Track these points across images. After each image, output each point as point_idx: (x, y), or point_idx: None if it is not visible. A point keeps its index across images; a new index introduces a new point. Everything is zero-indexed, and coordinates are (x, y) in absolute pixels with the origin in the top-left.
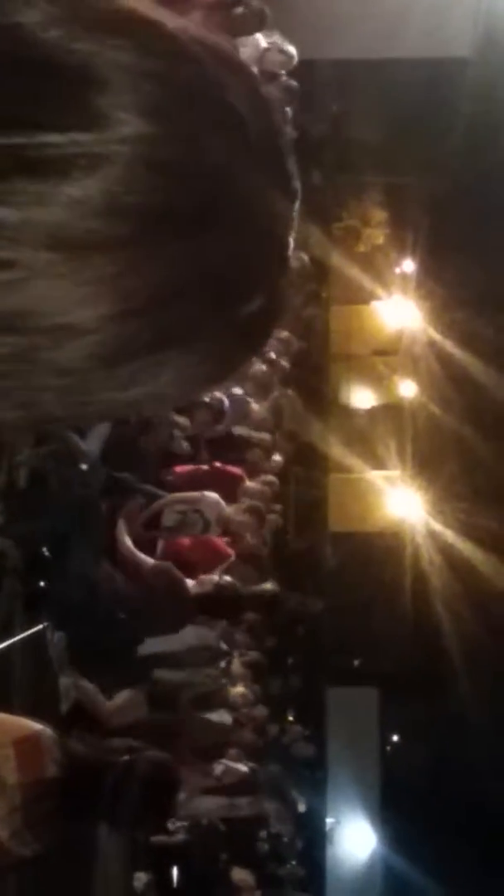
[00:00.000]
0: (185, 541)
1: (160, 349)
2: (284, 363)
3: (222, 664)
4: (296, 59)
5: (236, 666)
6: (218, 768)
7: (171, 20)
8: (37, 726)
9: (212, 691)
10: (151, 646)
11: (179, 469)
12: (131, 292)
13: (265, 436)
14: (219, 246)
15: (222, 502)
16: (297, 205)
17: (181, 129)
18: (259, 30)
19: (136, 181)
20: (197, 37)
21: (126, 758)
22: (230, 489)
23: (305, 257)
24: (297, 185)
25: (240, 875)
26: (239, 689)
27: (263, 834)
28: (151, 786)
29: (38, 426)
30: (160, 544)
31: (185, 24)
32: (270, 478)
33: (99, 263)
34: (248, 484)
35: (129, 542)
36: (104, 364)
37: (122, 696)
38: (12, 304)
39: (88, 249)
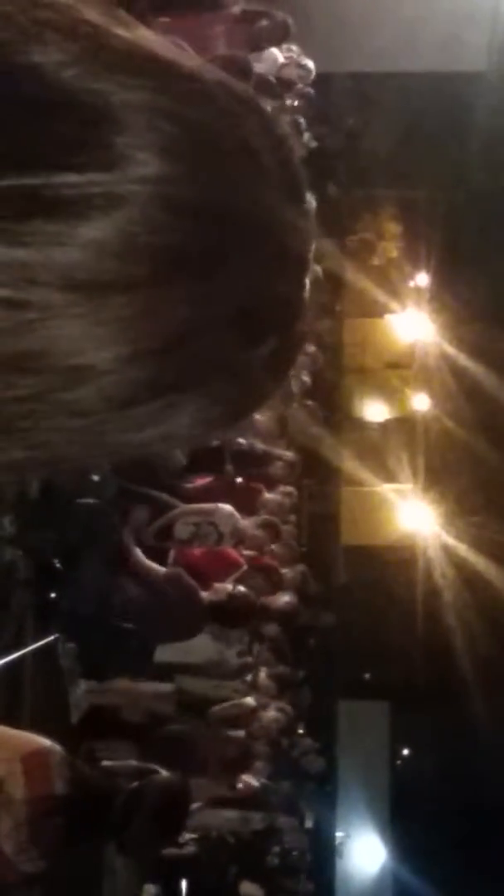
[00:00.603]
0: (197, 551)
1: (176, 391)
2: (306, 378)
3: (248, 677)
4: (314, 73)
5: (262, 679)
6: (238, 781)
7: (188, 60)
8: (46, 742)
9: (242, 713)
10: (166, 657)
11: (200, 481)
12: (147, 334)
13: (288, 453)
14: (235, 287)
15: (236, 514)
16: (314, 245)
17: (199, 169)
18: (283, 41)
19: (153, 221)
20: (215, 76)
21: (135, 784)
22: (249, 501)
23: (319, 270)
24: (315, 224)
25: (248, 889)
26: (271, 713)
27: (276, 849)
28: (160, 810)
29: (49, 468)
30: (171, 554)
31: (202, 64)
32: (290, 489)
33: (115, 304)
34: (267, 496)
35: (138, 552)
36: (119, 406)
37: (150, 685)
38: (27, 344)
39: (105, 290)
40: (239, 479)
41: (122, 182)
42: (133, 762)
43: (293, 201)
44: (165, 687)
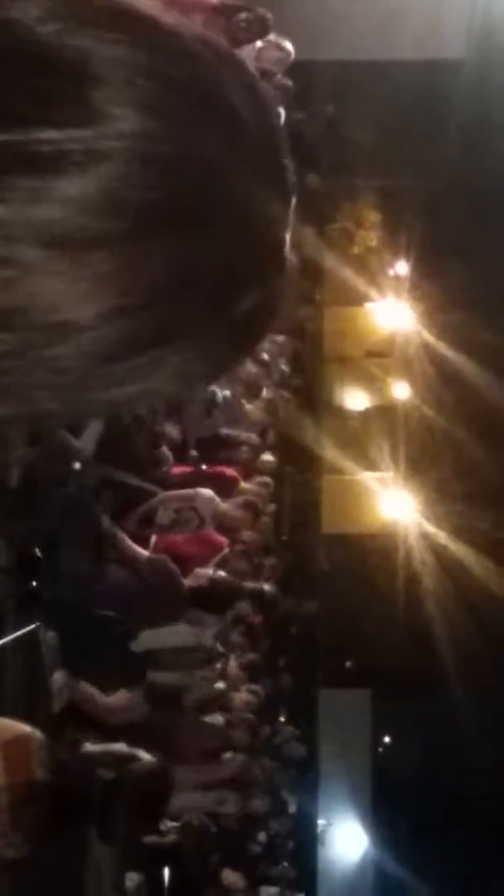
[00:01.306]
0: (179, 536)
1: (156, 346)
2: (283, 366)
3: (218, 666)
4: (292, 55)
5: (232, 668)
6: (219, 769)
7: (168, 15)
8: (27, 729)
9: (214, 697)
10: (145, 641)
11: (176, 470)
12: (128, 289)
13: (252, 435)
14: (215, 242)
15: (217, 498)
16: (293, 202)
17: (178, 124)
18: (262, 36)
19: (132, 177)
20: (194, 32)
21: (116, 772)
22: (226, 492)
23: (296, 259)
24: (294, 181)
25: (230, 877)
26: (243, 695)
27: (262, 836)
28: (141, 799)
29: (33, 422)
30: (153, 540)
31: (182, 19)
32: (266, 479)
33: (95, 260)
34: (244, 486)
35: (122, 535)
36: (100, 361)
37: (120, 695)
38: (7, 301)
39: (84, 246)
40: (203, 466)
41: (101, 138)
42: (115, 746)
43: (272, 157)
44: (134, 694)
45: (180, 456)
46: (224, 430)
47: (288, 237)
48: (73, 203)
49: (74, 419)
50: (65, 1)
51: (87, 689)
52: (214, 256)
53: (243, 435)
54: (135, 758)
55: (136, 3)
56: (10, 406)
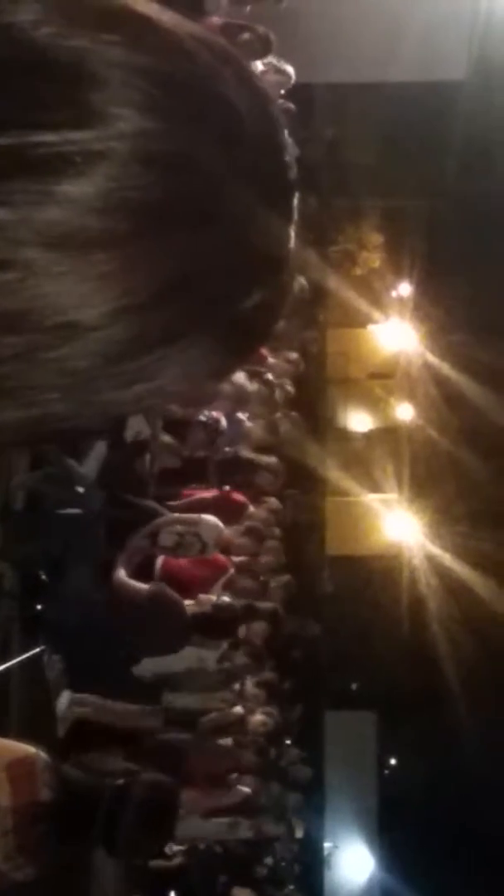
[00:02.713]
0: (182, 560)
1: (162, 345)
2: (289, 387)
3: (236, 686)
4: (293, 78)
5: (250, 688)
6: (227, 795)
7: (164, 15)
8: (30, 749)
9: (233, 721)
10: (149, 667)
11: (186, 493)
12: (132, 289)
13: (272, 459)
14: (218, 240)
15: (220, 525)
16: (296, 197)
17: (177, 123)
18: (264, 55)
19: (133, 177)
20: (191, 31)
21: (121, 781)
22: (234, 517)
23: (303, 281)
24: (296, 176)
25: (241, 894)
26: (259, 717)
27: (269, 860)
28: (148, 810)
29: (41, 427)
30: (158, 561)
31: (178, 18)
32: (274, 503)
33: (98, 261)
34: (252, 511)
35: (122, 574)
36: (107, 362)
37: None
38: (12, 304)
39: (87, 247)
40: (226, 487)
41: (100, 139)
42: (118, 761)
43: (274, 152)
44: (152, 707)
45: (197, 478)
46: (244, 454)
47: (292, 233)
48: (74, 204)
49: (83, 421)
50: (60, 3)
51: (98, 700)
52: (218, 254)
53: (264, 459)
54: (140, 770)
55: (132, 4)
56: (17, 409)
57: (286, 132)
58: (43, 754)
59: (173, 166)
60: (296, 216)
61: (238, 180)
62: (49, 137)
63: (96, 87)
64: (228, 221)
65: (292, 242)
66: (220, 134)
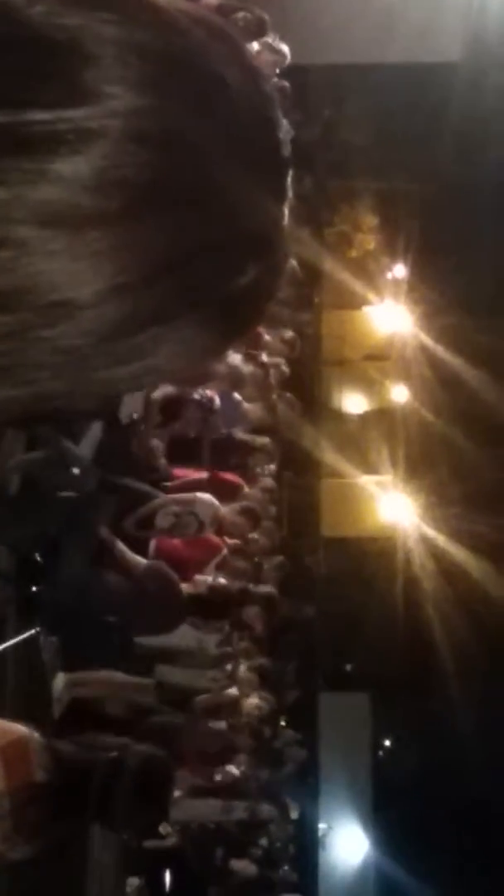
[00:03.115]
0: (177, 540)
1: (156, 323)
2: (284, 368)
3: (228, 667)
4: (288, 58)
5: (242, 672)
6: (218, 773)
7: None
8: (24, 730)
9: (227, 702)
10: (148, 641)
11: (178, 472)
12: (126, 266)
13: (266, 440)
14: (211, 218)
15: (216, 503)
16: (289, 174)
17: (170, 101)
18: (259, 37)
19: (126, 155)
20: (184, 8)
21: (114, 754)
22: (229, 497)
23: (295, 263)
24: (289, 153)
25: (240, 865)
26: (254, 700)
27: (263, 841)
28: (142, 780)
29: (36, 404)
30: (152, 543)
31: None
32: (269, 483)
33: (92, 238)
34: (247, 491)
35: (120, 545)
36: (101, 340)
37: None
38: (6, 282)
39: (81, 225)
40: (218, 470)
41: (93, 117)
42: (111, 737)
43: (266, 129)
44: (146, 680)
45: (191, 459)
46: (239, 435)
47: (286, 210)
48: (67, 182)
49: (77, 400)
50: None
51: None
52: (212, 232)
53: (258, 440)
54: (133, 743)
55: None
56: (12, 388)
57: (279, 110)
58: (37, 735)
59: (166, 144)
60: (290, 194)
61: (231, 158)
62: (42, 116)
63: (90, 64)
64: (222, 199)
65: (286, 220)
66: (213, 111)
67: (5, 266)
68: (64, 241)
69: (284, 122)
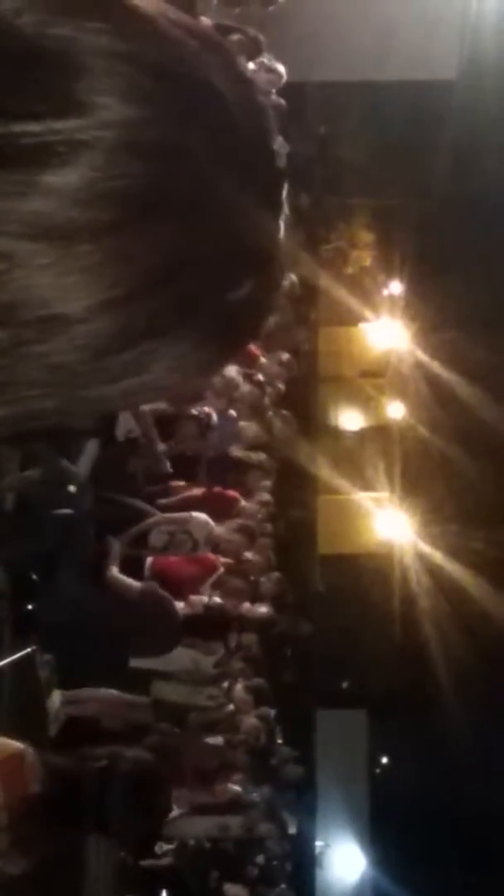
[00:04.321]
0: (172, 557)
1: (150, 338)
2: (280, 385)
3: (224, 685)
4: (284, 77)
5: (239, 691)
6: (215, 790)
7: (149, 2)
8: (19, 746)
9: (221, 719)
10: (144, 663)
11: (175, 485)
12: (118, 280)
13: (263, 457)
14: (205, 230)
15: (211, 522)
16: (285, 185)
17: (162, 111)
18: (254, 58)
19: (118, 166)
20: (176, 18)
21: (104, 762)
22: (225, 512)
23: (294, 278)
24: (284, 164)
25: (233, 890)
26: (252, 720)
27: (260, 858)
28: (135, 785)
29: (27, 423)
30: (148, 561)
31: (163, 5)
32: (266, 497)
33: (83, 252)
34: (244, 505)
35: (115, 570)
36: (94, 356)
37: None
38: None
39: (72, 238)
40: (216, 487)
41: (84, 128)
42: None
43: (260, 140)
44: (142, 698)
45: (187, 476)
46: (235, 453)
47: (282, 223)
48: (58, 195)
49: (71, 419)
50: None
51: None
52: (206, 245)
53: (254, 456)
54: (124, 750)
55: None
56: (4, 407)
57: (273, 121)
58: (30, 749)
59: (159, 155)
60: (285, 207)
61: (225, 169)
62: (32, 127)
63: (80, 75)
64: (216, 211)
65: (282, 233)
66: (206, 122)
67: None
68: (55, 255)
69: (278, 134)
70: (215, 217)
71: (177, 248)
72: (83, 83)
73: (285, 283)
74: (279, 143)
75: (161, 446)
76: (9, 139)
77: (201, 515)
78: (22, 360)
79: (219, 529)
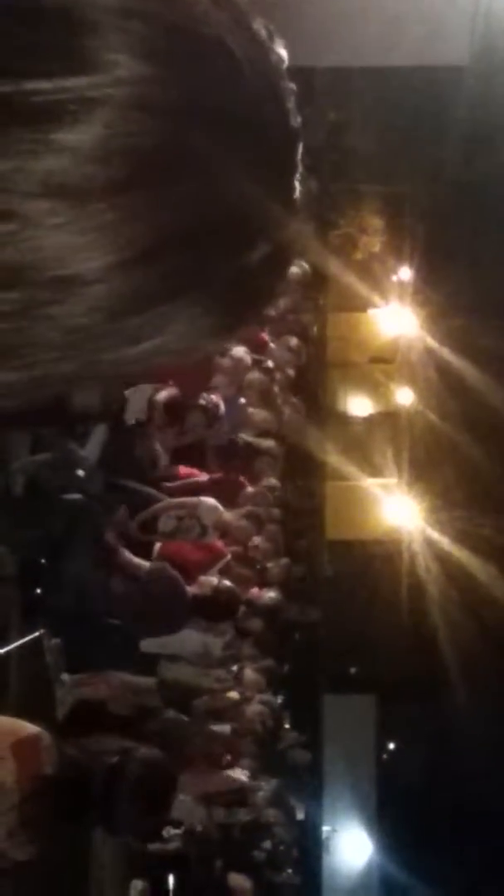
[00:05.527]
0: (180, 543)
1: (166, 300)
2: (290, 371)
3: (234, 668)
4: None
5: (249, 674)
6: (224, 776)
7: None
8: (35, 729)
9: (228, 706)
10: (151, 649)
11: (183, 471)
12: (133, 239)
13: (272, 443)
14: (220, 190)
15: (220, 507)
16: (300, 146)
17: (174, 68)
18: None
19: (130, 124)
20: None
21: (116, 759)
22: (231, 496)
23: (305, 264)
24: (298, 123)
25: (237, 880)
26: (256, 706)
27: (267, 844)
28: (144, 787)
29: (44, 390)
30: (156, 546)
31: None
32: (273, 481)
33: (97, 211)
34: (250, 490)
35: (124, 550)
36: (110, 317)
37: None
38: (9, 257)
39: (86, 196)
40: (221, 473)
41: (95, 86)
42: (115, 741)
43: (273, 99)
44: (150, 680)
45: (195, 462)
46: (244, 438)
47: (297, 184)
48: (71, 153)
49: (88, 383)
50: None
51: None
52: (221, 205)
53: (263, 442)
54: (136, 748)
55: None
56: (20, 370)
57: (287, 80)
58: (46, 734)
59: (171, 113)
60: (300, 167)
61: (238, 128)
62: (43, 85)
63: (89, 32)
64: (229, 171)
65: (297, 193)
66: (218, 79)
67: (9, 239)
68: (69, 214)
69: (292, 91)
70: (229, 175)
71: (190, 207)
72: (93, 40)
73: (298, 260)
74: (293, 103)
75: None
76: (20, 97)
77: (210, 500)
78: (37, 322)
79: (227, 515)
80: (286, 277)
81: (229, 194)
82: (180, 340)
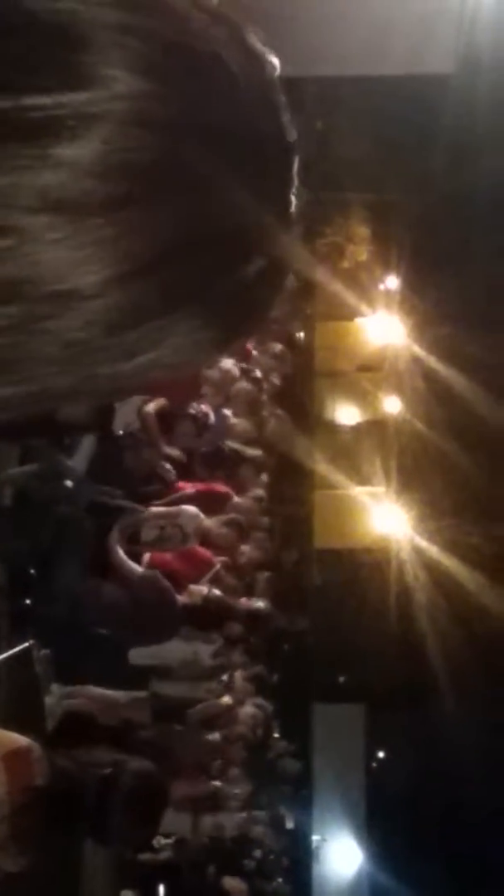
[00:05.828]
0: (169, 554)
1: (163, 313)
2: (275, 380)
3: (224, 678)
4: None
5: (238, 680)
6: (214, 786)
7: None
8: (25, 740)
9: (221, 712)
10: (141, 658)
11: (180, 485)
12: (131, 254)
13: (258, 452)
14: (217, 204)
15: (201, 515)
16: (295, 160)
17: (171, 83)
18: None
19: (129, 139)
20: None
21: (108, 771)
22: (218, 508)
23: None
24: (294, 137)
25: (231, 883)
26: (249, 709)
27: (257, 853)
28: (135, 800)
29: (40, 404)
30: (144, 558)
31: None
32: (259, 492)
33: (95, 226)
34: (236, 500)
35: (121, 551)
36: (108, 331)
37: (122, 693)
38: (7, 272)
39: (83, 211)
40: (200, 486)
41: (93, 101)
42: (106, 753)
43: (269, 114)
44: (140, 694)
45: (181, 472)
46: (230, 445)
47: (293, 197)
48: (69, 168)
49: (86, 397)
50: None
51: (91, 689)
52: (218, 219)
53: (249, 451)
54: (128, 760)
55: None
56: (18, 385)
57: (282, 95)
58: (37, 745)
59: (169, 128)
60: (296, 180)
61: (235, 143)
62: (41, 101)
63: (87, 48)
64: (226, 185)
65: (293, 207)
66: (215, 94)
67: (7, 254)
68: (67, 229)
69: (287, 106)
70: (226, 191)
71: (187, 222)
72: (92, 56)
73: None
74: (288, 117)
75: (166, 450)
76: (19, 113)
77: (191, 508)
78: (35, 337)
79: (208, 522)
80: (283, 290)
81: (226, 208)
82: (176, 354)
